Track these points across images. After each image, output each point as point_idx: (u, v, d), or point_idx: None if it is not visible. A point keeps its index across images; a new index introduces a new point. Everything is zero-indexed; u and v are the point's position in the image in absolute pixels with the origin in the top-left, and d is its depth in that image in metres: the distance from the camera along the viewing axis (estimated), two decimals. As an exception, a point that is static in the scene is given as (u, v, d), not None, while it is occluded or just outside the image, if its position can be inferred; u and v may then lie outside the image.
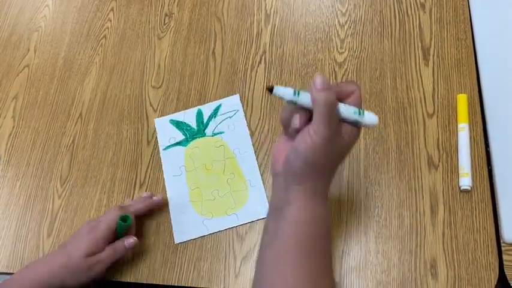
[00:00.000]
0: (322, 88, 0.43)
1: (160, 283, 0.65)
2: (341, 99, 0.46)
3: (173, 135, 0.75)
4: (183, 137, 0.75)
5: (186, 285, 0.65)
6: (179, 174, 0.72)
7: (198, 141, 0.74)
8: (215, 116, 0.75)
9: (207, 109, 0.76)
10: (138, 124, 0.77)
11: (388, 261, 0.63)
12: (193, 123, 0.75)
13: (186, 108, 0.77)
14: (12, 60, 0.87)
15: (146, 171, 0.73)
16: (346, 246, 0.64)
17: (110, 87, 0.81)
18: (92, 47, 0.86)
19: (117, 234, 0.63)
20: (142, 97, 0.79)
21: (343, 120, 0.46)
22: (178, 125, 0.76)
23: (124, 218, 0.62)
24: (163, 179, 0.72)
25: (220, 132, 0.74)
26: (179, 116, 0.76)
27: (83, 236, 0.61)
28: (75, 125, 0.79)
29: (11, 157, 0.78)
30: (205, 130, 0.75)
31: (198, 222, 0.68)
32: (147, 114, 0.78)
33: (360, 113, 0.46)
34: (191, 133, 0.75)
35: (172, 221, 0.69)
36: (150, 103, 0.79)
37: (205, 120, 0.75)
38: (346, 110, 0.45)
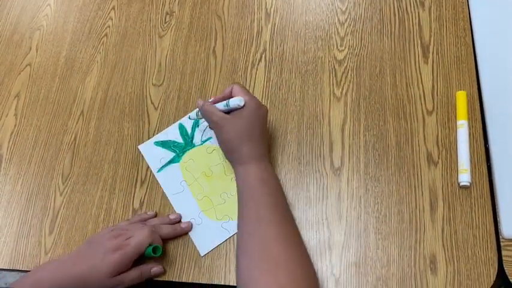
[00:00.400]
0: (200, 105, 0.67)
1: (161, 279, 0.66)
2: (229, 98, 0.66)
3: (163, 156, 0.74)
4: (173, 154, 0.74)
5: (187, 281, 0.65)
6: (182, 191, 0.71)
7: (189, 153, 0.74)
8: (198, 125, 0.76)
9: (187, 120, 0.76)
10: (139, 122, 0.78)
11: (387, 257, 0.63)
12: (178, 138, 0.75)
13: (186, 107, 0.77)
14: (14, 59, 0.87)
15: (147, 169, 0.74)
16: (346, 242, 0.64)
17: (111, 85, 0.82)
18: (94, 46, 0.86)
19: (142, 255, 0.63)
20: (143, 95, 0.80)
21: (228, 111, 0.65)
22: (164, 144, 0.75)
23: (155, 250, 0.62)
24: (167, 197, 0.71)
25: (208, 138, 0.74)
26: (162, 136, 0.76)
27: (109, 251, 0.60)
28: (76, 123, 0.79)
29: (13, 155, 0.79)
30: (193, 141, 0.74)
31: (217, 228, 0.68)
32: (148, 112, 0.78)
33: (226, 104, 0.64)
34: (180, 148, 0.74)
35: (191, 236, 0.68)
36: (151, 101, 0.79)
37: (189, 132, 0.75)
38: (220, 106, 0.65)
